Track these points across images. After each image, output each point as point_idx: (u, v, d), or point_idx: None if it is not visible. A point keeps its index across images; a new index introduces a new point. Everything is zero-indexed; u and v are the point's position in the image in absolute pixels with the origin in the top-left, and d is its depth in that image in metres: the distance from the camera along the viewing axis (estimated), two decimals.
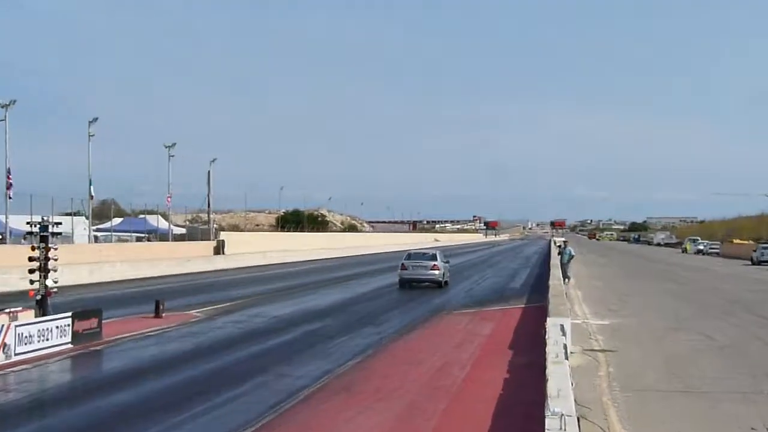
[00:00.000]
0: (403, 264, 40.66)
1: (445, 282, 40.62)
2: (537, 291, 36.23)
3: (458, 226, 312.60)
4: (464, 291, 38.81)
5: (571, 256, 43.32)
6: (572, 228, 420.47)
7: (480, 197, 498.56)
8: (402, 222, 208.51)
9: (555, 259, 48.24)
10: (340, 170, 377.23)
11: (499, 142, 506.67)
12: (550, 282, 29.60)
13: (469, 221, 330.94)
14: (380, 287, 40.61)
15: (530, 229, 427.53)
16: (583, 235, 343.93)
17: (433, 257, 41.20)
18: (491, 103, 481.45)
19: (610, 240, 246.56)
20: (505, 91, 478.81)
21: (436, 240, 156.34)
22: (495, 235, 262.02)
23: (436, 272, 40.00)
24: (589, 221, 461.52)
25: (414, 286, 39.51)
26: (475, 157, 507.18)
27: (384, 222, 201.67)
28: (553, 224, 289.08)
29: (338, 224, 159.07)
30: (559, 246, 52.90)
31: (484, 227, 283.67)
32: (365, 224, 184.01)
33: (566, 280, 39.46)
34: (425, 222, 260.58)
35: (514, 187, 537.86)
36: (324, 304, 31.38)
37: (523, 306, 30.86)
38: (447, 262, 42.38)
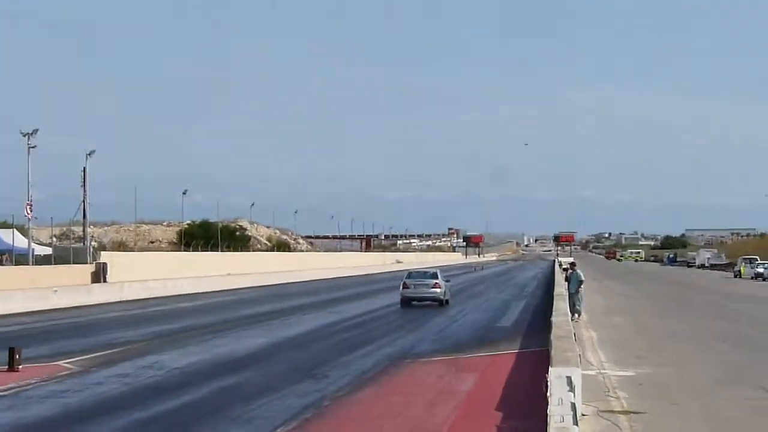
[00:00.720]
0: (404, 283, 54.44)
1: (446, 300, 54.32)
2: (535, 331, 36.48)
3: (428, 243, 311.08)
4: (435, 331, 39.06)
5: (580, 282, 43.59)
6: (584, 244, 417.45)
7: (458, 203, 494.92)
8: (352, 237, 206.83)
9: (560, 288, 48.40)
10: (266, 168, 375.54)
11: (485, 129, 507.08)
12: (554, 319, 29.44)
13: (444, 236, 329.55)
14: (318, 327, 40.83)
15: (527, 245, 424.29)
16: (599, 253, 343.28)
17: (434, 276, 55.62)
18: (472, 74, 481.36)
19: (637, 260, 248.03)
20: (493, 58, 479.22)
21: (398, 261, 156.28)
22: (478, 254, 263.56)
23: (438, 290, 53.80)
24: (606, 235, 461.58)
25: (416, 305, 52.28)
26: (451, 149, 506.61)
27: (327, 237, 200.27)
28: (557, 239, 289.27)
29: (264, 240, 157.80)
30: (566, 269, 53.22)
31: (464, 244, 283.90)
32: (301, 240, 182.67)
33: (575, 315, 39.78)
34: (383, 237, 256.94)
35: (504, 190, 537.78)
36: (243, 351, 31.20)
37: (516, 351, 31.13)
38: (448, 281, 56.95)
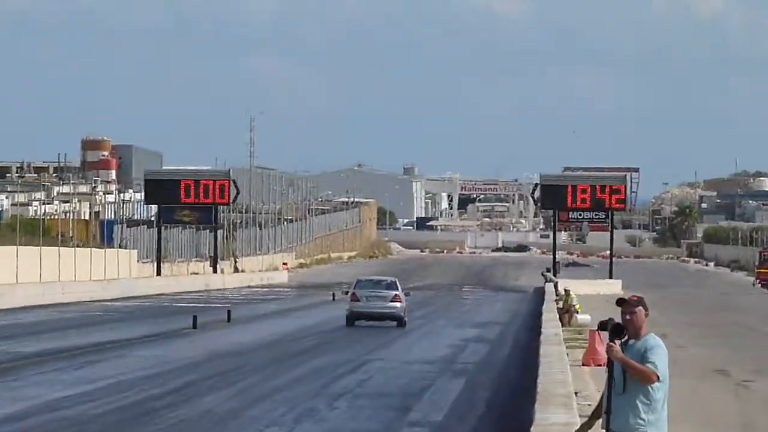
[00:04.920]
0: (354, 293, 44.23)
1: (404, 321, 43.99)
2: None
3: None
4: None
5: (660, 399, 7.01)
6: (672, 223, 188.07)
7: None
8: None
9: (563, 411, 13.16)
10: None
11: None
12: None
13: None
14: None
15: (429, 221, 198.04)
16: (733, 260, 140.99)
17: (392, 285, 45.28)
18: None
19: None
20: None
21: None
22: (230, 259, 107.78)
23: (398, 305, 43.73)
24: (761, 186, 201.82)
25: None
26: None
27: None
28: (547, 207, 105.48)
29: None
30: (605, 326, 9.58)
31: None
32: None
33: None
34: None
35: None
36: None
37: None
38: (408, 294, 46.84)
